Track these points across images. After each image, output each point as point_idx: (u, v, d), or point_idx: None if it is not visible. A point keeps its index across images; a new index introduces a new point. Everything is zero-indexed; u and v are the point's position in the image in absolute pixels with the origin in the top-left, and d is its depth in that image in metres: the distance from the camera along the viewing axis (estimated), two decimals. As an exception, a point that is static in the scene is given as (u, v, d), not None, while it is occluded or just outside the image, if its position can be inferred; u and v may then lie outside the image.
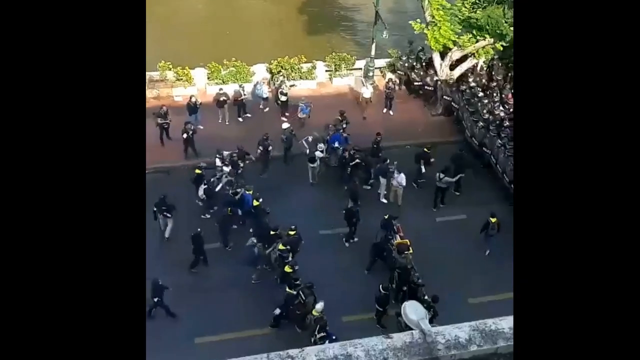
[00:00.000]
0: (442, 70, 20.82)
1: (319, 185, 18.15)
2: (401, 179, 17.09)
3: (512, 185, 17.38)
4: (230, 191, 16.24)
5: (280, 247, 14.75)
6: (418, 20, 20.05)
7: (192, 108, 19.16)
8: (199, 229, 15.14)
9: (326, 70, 22.56)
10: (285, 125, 18.96)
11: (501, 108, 19.60)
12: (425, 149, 17.91)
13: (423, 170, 17.73)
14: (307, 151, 18.30)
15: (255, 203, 15.94)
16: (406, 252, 15.11)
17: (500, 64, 21.45)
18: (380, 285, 13.83)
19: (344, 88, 22.27)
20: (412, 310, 12.76)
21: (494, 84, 20.84)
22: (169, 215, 15.71)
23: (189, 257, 15.18)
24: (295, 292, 13.74)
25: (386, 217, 15.55)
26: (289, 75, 21.37)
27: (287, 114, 20.32)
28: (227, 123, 20.05)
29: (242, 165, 17.15)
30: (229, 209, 15.67)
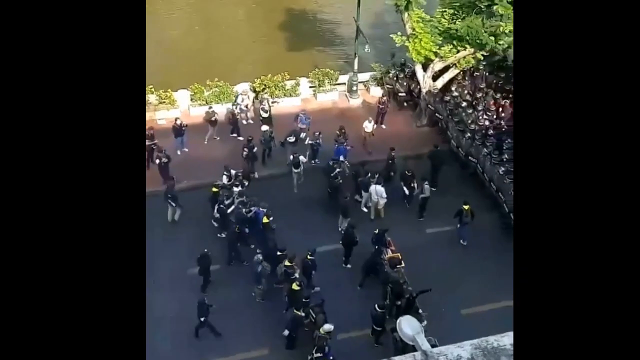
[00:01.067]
0: (425, 81, 20.92)
1: (312, 199, 18.10)
2: (380, 192, 17.00)
3: (499, 194, 17.44)
4: (244, 210, 16.26)
5: (287, 263, 14.66)
6: (399, 33, 20.17)
7: (178, 130, 19.06)
8: (206, 250, 15.11)
9: (310, 87, 22.61)
10: (264, 128, 19.29)
11: (485, 117, 19.69)
12: (407, 172, 17.69)
13: (407, 192, 17.55)
14: (292, 157, 18.43)
15: (264, 220, 15.87)
16: (398, 266, 15.06)
17: (482, 73, 21.61)
18: (376, 305, 13.69)
19: (328, 103, 22.31)
20: (407, 325, 12.76)
21: (477, 93, 20.93)
22: (172, 203, 16.85)
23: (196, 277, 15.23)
24: (303, 314, 13.60)
25: (377, 231, 15.49)
26: (273, 93, 21.37)
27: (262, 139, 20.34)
28: (217, 138, 19.98)
29: (247, 183, 17.30)
30: (237, 227, 15.73)
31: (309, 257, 14.85)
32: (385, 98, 21.21)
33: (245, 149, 18.28)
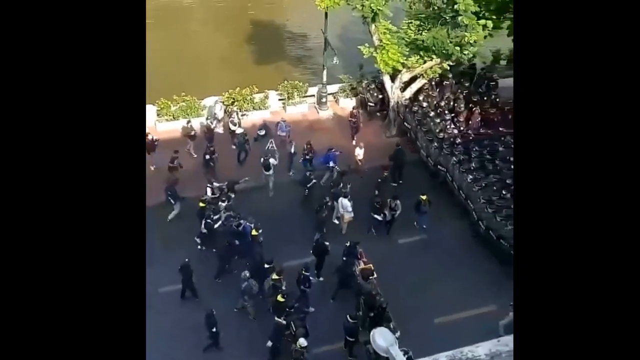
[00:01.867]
0: (393, 92, 21.04)
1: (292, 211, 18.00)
2: (345, 205, 16.93)
3: (468, 202, 17.57)
4: (234, 224, 16.16)
5: (274, 277, 14.51)
6: (366, 44, 20.26)
7: (150, 146, 18.84)
8: (187, 259, 15.02)
9: (279, 99, 22.53)
10: (239, 131, 19.53)
11: (453, 126, 19.86)
12: (375, 203, 17.23)
13: (379, 218, 17.25)
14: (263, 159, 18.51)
15: (253, 233, 15.74)
16: (371, 278, 14.99)
17: (451, 83, 21.84)
18: (348, 316, 13.60)
19: (298, 115, 22.25)
20: (381, 336, 12.63)
21: (445, 102, 21.13)
22: (172, 201, 17.11)
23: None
24: (285, 322, 13.55)
25: (348, 244, 15.42)
26: (242, 107, 21.25)
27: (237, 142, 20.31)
28: (194, 156, 19.75)
29: (233, 196, 17.22)
30: (227, 240, 15.69)
31: (303, 272, 14.77)
32: (357, 111, 21.21)
33: (207, 156, 18.49)
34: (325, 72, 22.02)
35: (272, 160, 18.38)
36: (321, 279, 15.78)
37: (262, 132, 20.10)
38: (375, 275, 14.99)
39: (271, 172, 18.41)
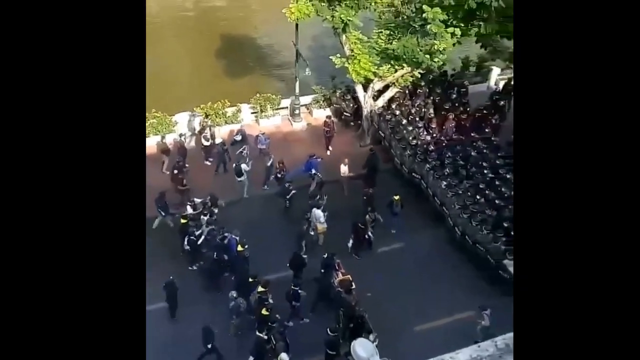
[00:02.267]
0: (366, 101, 21.14)
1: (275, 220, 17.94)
2: (318, 216, 16.86)
3: (443, 208, 17.66)
4: (218, 237, 15.95)
5: (260, 289, 14.34)
6: (338, 55, 20.32)
7: None
8: (171, 277, 14.80)
9: (252, 112, 22.44)
10: (218, 140, 19.83)
11: (426, 133, 19.99)
12: (360, 224, 16.76)
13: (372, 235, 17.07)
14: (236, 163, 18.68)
15: (239, 248, 15.52)
16: (351, 289, 14.89)
17: (425, 91, 22.02)
18: (328, 329, 13.47)
19: (271, 128, 22.17)
20: (361, 347, 12.57)
21: (417, 110, 21.27)
22: (162, 213, 17.21)
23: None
24: (266, 337, 13.37)
25: (326, 255, 15.33)
26: (214, 121, 21.10)
27: (210, 158, 20.32)
28: (166, 172, 19.55)
29: (216, 211, 17.06)
30: (215, 254, 15.50)
31: (292, 287, 14.67)
32: (331, 121, 21.24)
33: (175, 170, 18.43)
34: (297, 83, 22.03)
35: (243, 166, 18.45)
36: (300, 291, 15.63)
37: (239, 137, 20.29)
38: (354, 286, 14.89)
39: (243, 177, 18.48)
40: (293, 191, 17.99)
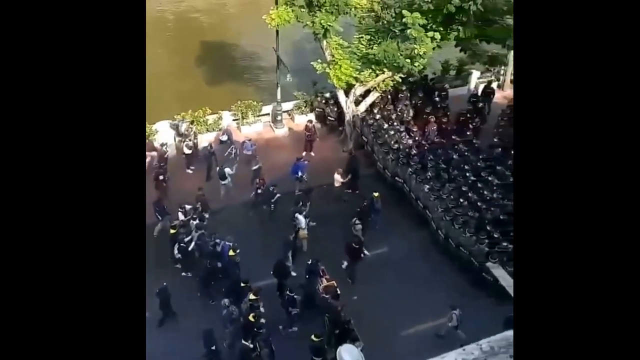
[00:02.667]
0: (348, 106, 21.15)
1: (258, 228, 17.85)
2: (299, 221, 16.81)
3: (426, 211, 17.71)
4: (210, 244, 15.79)
5: (251, 297, 14.20)
6: (319, 60, 20.33)
7: None
8: (164, 283, 14.69)
9: (233, 119, 22.33)
10: (205, 143, 19.90)
11: (408, 136, 20.06)
12: (353, 244, 16.19)
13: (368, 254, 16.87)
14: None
15: (231, 253, 15.38)
16: (338, 294, 14.84)
17: (406, 95, 22.10)
18: (313, 335, 13.39)
19: (253, 135, 22.06)
20: (347, 353, 12.56)
21: (397, 114, 21.34)
22: (159, 217, 17.08)
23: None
24: (251, 345, 13.23)
25: (310, 262, 15.27)
26: (196, 129, 20.95)
27: (192, 166, 20.23)
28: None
29: (207, 216, 16.97)
30: (208, 262, 15.33)
31: (288, 293, 14.62)
32: (312, 125, 21.24)
33: (160, 177, 18.42)
34: (279, 89, 21.98)
35: (227, 170, 18.45)
36: (296, 297, 15.54)
37: (225, 138, 20.33)
38: (339, 292, 14.85)
39: (227, 181, 18.46)
40: (277, 195, 17.90)
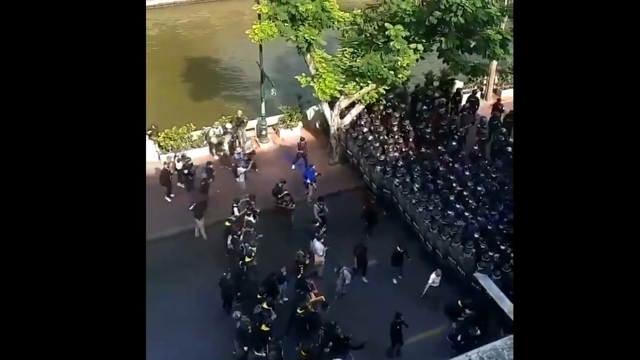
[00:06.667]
0: (333, 119, 21.16)
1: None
2: (316, 248, 16.58)
3: (414, 223, 17.70)
4: (240, 246, 15.94)
5: (264, 306, 14.08)
6: (303, 74, 20.35)
7: None
8: (224, 273, 15.11)
9: (217, 135, 22.19)
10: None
11: (393, 148, 20.08)
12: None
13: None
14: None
15: (246, 259, 15.28)
16: (328, 307, 14.74)
17: (393, 106, 22.18)
18: (301, 350, 13.26)
19: (238, 149, 21.92)
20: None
21: (383, 126, 21.39)
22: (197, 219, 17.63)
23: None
24: (264, 355, 13.19)
25: (299, 276, 15.17)
26: (179, 146, 20.85)
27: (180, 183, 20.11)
28: None
29: (258, 211, 17.42)
30: (240, 262, 15.34)
31: (298, 311, 14.45)
32: (303, 142, 21.16)
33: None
34: (263, 104, 21.96)
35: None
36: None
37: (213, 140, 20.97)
38: (328, 306, 14.76)
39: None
40: (285, 192, 18.04)
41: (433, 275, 15.68)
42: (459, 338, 13.92)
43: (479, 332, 14.04)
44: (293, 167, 19.74)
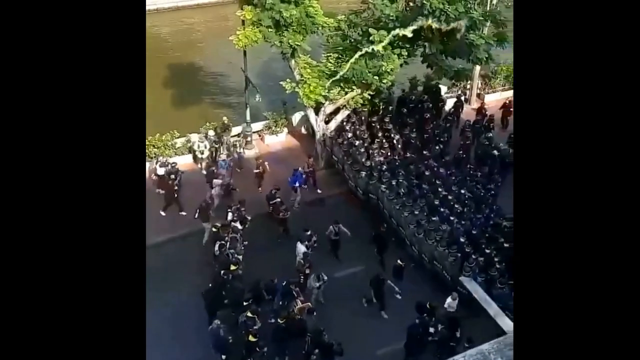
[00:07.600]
0: (318, 125, 21.14)
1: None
2: (299, 249, 16.57)
3: (400, 228, 17.68)
4: (225, 253, 15.69)
5: (248, 314, 13.86)
6: (288, 80, 20.32)
7: None
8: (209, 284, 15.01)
9: (200, 141, 22.05)
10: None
11: (378, 153, 20.09)
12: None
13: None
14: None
15: (231, 267, 15.03)
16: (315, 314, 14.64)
17: (380, 110, 22.21)
18: (287, 358, 13.16)
19: (222, 156, 21.78)
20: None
21: (368, 132, 21.41)
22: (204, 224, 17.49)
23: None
24: None
25: (284, 283, 15.08)
26: (163, 153, 20.69)
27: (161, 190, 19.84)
28: None
29: (249, 218, 17.21)
30: (222, 272, 14.98)
31: (279, 320, 14.25)
32: (311, 161, 20.76)
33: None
34: (248, 110, 21.88)
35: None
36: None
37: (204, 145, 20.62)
38: (315, 313, 14.67)
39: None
40: (278, 199, 17.98)
41: (449, 300, 15.04)
42: (420, 330, 13.96)
43: (458, 335, 14.04)
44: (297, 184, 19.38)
